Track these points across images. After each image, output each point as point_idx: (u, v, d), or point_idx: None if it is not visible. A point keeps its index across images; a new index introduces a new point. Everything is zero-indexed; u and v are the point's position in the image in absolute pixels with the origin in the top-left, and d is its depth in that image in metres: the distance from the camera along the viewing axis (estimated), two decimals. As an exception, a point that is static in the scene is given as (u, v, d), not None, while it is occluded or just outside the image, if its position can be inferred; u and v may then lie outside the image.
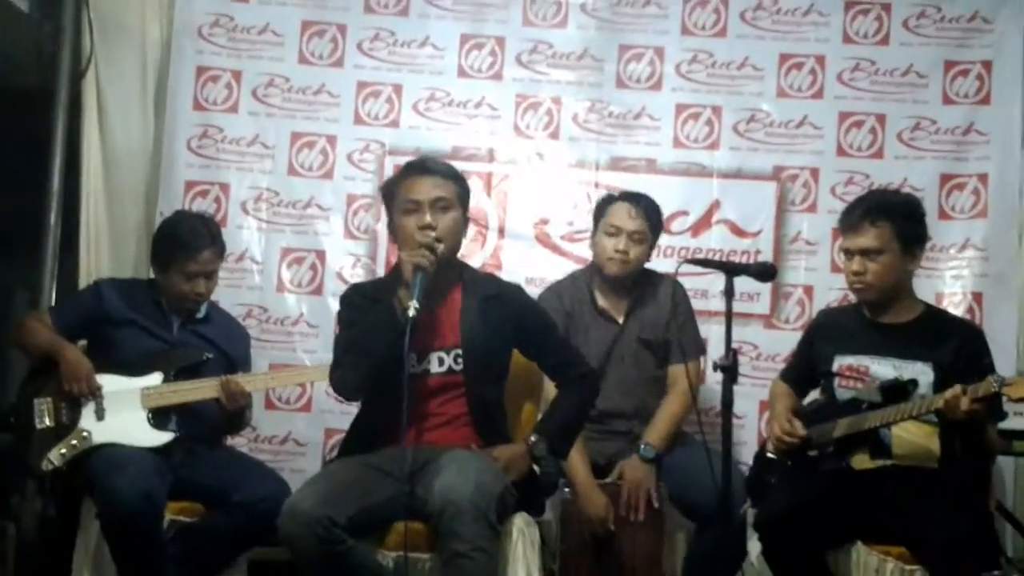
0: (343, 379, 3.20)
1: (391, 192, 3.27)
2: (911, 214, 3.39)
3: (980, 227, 4.48)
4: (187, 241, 3.72)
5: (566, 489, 3.83)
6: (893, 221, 3.33)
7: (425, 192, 3.19)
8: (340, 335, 3.30)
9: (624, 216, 3.91)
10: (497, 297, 3.30)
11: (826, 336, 3.53)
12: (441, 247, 3.13)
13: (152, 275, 3.90)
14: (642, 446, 3.82)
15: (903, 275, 3.36)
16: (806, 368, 3.60)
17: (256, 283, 4.55)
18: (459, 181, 3.29)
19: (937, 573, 2.99)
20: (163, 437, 3.56)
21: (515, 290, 3.43)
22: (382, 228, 4.47)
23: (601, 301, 4.02)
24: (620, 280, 3.97)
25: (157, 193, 4.53)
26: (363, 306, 3.23)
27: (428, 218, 3.16)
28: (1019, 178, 4.46)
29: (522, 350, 3.36)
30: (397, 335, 2.96)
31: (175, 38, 4.59)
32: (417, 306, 2.98)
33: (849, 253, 3.40)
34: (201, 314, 3.82)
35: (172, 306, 3.78)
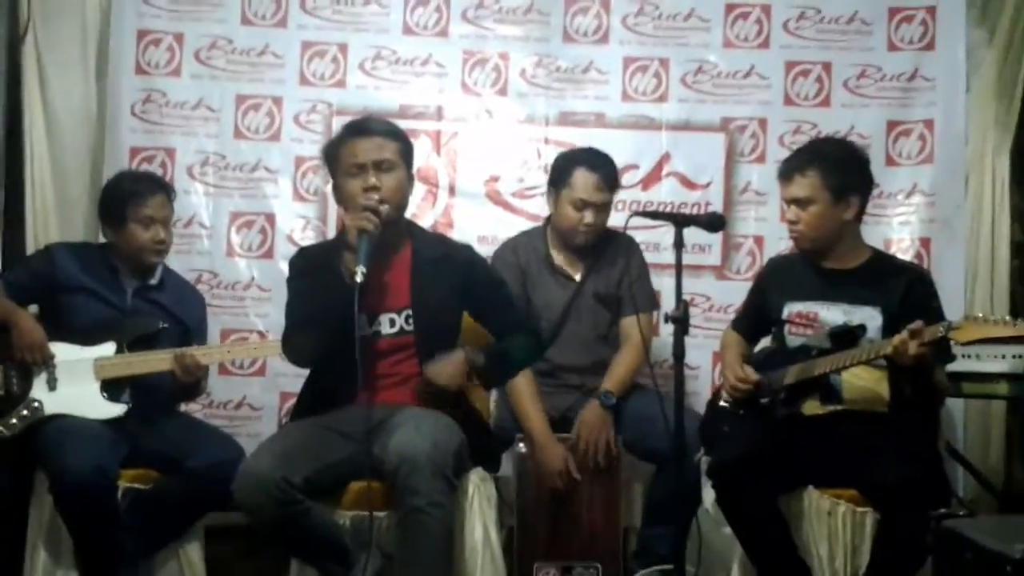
0: (295, 347, 3.19)
1: (333, 155, 3.24)
2: (841, 162, 3.39)
3: (927, 173, 4.51)
4: (136, 189, 3.71)
5: (521, 444, 3.85)
6: (821, 170, 3.35)
7: (367, 154, 3.16)
8: (290, 302, 3.27)
9: (591, 189, 3.89)
10: (446, 257, 3.29)
11: (775, 284, 3.55)
12: (386, 208, 3.10)
13: (103, 239, 3.86)
14: (602, 394, 3.84)
15: (837, 223, 3.36)
16: (757, 316, 3.62)
17: (205, 248, 4.51)
18: (402, 139, 3.26)
19: (888, 514, 3.03)
20: (116, 409, 3.53)
21: (464, 250, 3.42)
22: (332, 189, 4.45)
23: (557, 259, 4.02)
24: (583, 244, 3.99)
25: (103, 160, 4.46)
26: (311, 272, 3.21)
27: (372, 180, 3.14)
28: (964, 123, 4.49)
29: (469, 310, 3.35)
30: (346, 301, 2.94)
31: (115, 1, 4.50)
32: (364, 271, 2.96)
33: (786, 202, 3.43)
34: (155, 280, 3.78)
35: (130, 269, 3.72)
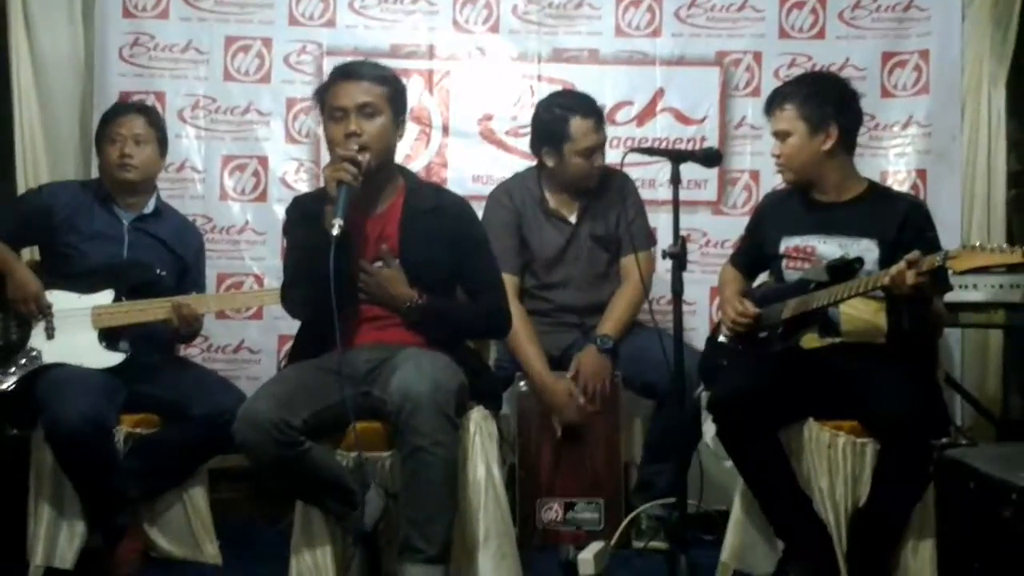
0: (293, 302, 3.19)
1: (321, 98, 3.20)
2: (815, 93, 3.39)
3: (923, 104, 4.50)
4: (113, 111, 3.81)
5: (522, 383, 3.86)
6: (795, 103, 3.37)
7: (350, 98, 3.11)
8: (285, 255, 3.26)
9: (592, 137, 3.88)
10: (438, 209, 3.24)
11: (772, 219, 3.55)
12: (366, 157, 3.04)
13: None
14: (599, 338, 3.85)
15: (816, 155, 3.36)
16: (754, 252, 3.62)
17: (199, 192, 4.49)
18: (389, 83, 3.19)
19: (888, 444, 3.04)
20: (114, 358, 3.53)
21: (458, 203, 3.35)
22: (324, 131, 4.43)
23: (552, 202, 4.01)
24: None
25: (92, 105, 4.42)
26: (301, 222, 3.18)
27: (352, 126, 3.08)
28: (960, 53, 4.46)
29: (451, 264, 3.25)
30: (327, 253, 2.90)
31: (99, -58, 4.44)
32: (341, 224, 2.91)
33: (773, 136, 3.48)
34: (149, 209, 3.77)
35: (120, 198, 3.72)
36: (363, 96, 3.12)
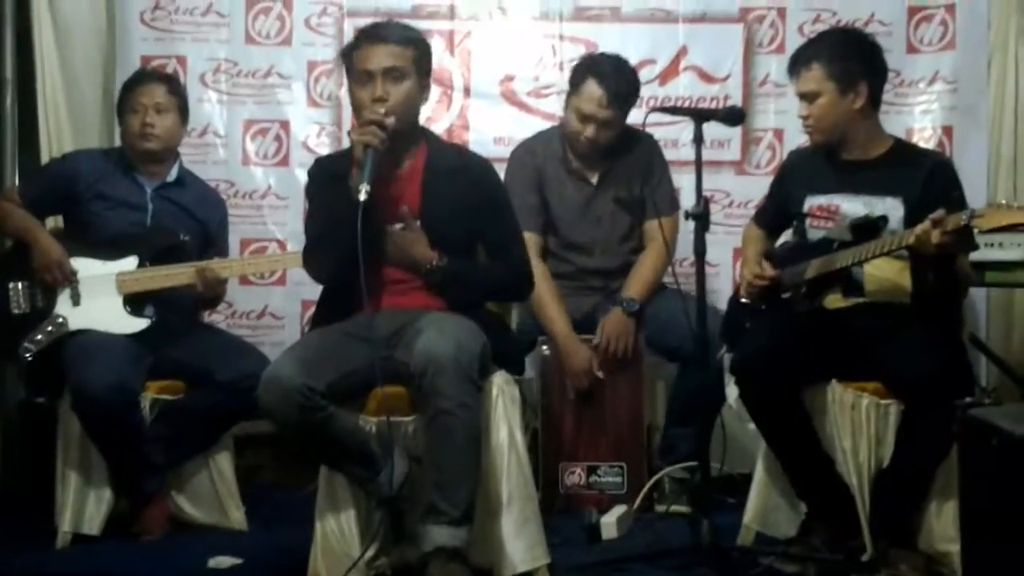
0: (316, 266, 3.18)
1: (347, 59, 3.17)
2: (843, 51, 3.33)
3: (949, 59, 4.44)
4: (134, 79, 3.81)
5: (544, 347, 3.86)
6: (822, 62, 3.30)
7: (377, 61, 3.08)
8: (308, 217, 3.25)
9: (594, 105, 3.84)
10: (460, 169, 3.22)
11: (796, 177, 3.51)
12: (392, 121, 3.02)
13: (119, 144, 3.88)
14: (624, 300, 3.84)
15: (847, 114, 3.31)
16: (778, 210, 3.59)
17: (221, 157, 4.49)
18: (417, 46, 3.17)
19: (912, 405, 3.02)
20: (139, 324, 3.56)
21: (480, 163, 3.33)
22: (345, 94, 4.38)
23: (575, 162, 3.99)
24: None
25: (114, 70, 4.41)
26: (324, 184, 3.17)
27: (379, 90, 3.06)
28: (987, 7, 4.40)
29: (473, 225, 3.23)
30: (355, 218, 2.88)
31: (119, -92, 4.41)
32: (368, 189, 2.90)
33: (798, 98, 3.39)
34: (172, 177, 3.78)
35: (143, 166, 3.73)
36: (390, 59, 3.09)
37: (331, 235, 3.04)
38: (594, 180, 3.99)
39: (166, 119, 3.72)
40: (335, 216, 3.02)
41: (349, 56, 3.16)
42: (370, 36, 3.15)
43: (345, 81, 3.29)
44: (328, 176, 3.17)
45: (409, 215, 3.13)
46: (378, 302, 3.08)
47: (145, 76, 3.88)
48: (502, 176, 3.56)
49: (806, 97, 3.34)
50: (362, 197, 2.89)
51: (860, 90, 3.30)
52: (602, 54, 4.06)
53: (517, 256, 3.29)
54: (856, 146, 3.36)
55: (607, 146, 3.92)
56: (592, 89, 3.83)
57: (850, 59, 3.31)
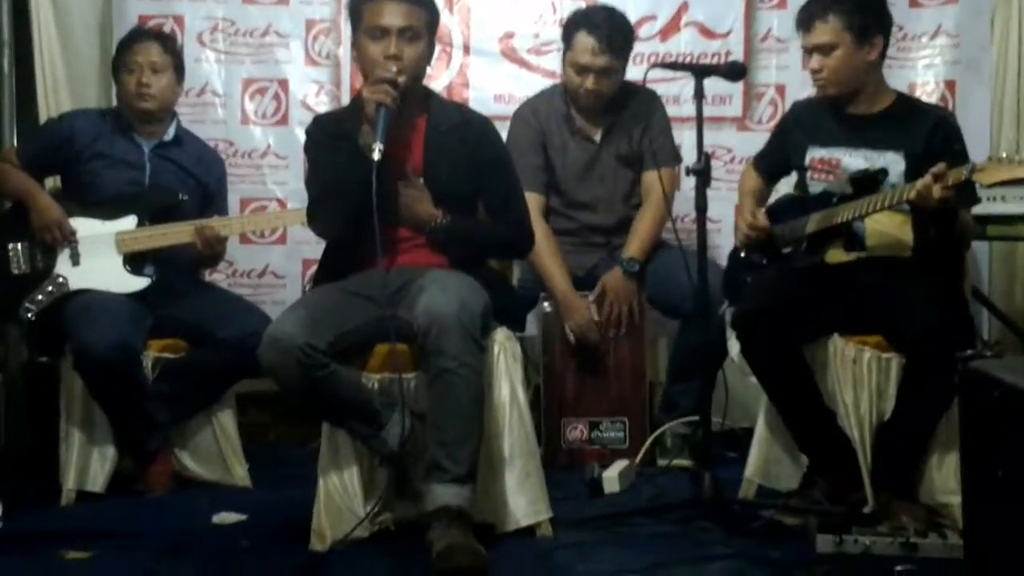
0: (323, 222, 3.16)
1: (357, 12, 3.13)
2: (860, 4, 3.30)
3: (951, 13, 4.41)
4: (128, 38, 3.78)
5: (546, 304, 3.87)
6: (841, 14, 3.26)
7: (394, 18, 3.05)
8: (310, 174, 3.23)
9: (588, 55, 3.82)
10: (462, 126, 3.21)
11: (799, 128, 3.48)
12: (404, 80, 3.00)
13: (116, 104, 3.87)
14: (625, 260, 3.84)
15: (862, 66, 3.29)
16: (778, 157, 3.57)
17: (220, 117, 4.46)
18: (430, 7, 3.14)
19: (913, 358, 3.02)
20: (139, 283, 3.56)
21: (480, 121, 3.31)
22: (344, 53, 4.38)
23: (578, 120, 3.98)
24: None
25: (111, 30, 4.37)
26: (326, 143, 3.15)
27: (393, 48, 3.04)
28: (990, -41, 4.37)
29: (476, 182, 3.22)
30: (365, 173, 2.87)
31: None
32: (382, 147, 2.89)
33: (807, 51, 3.35)
34: (169, 136, 3.77)
35: (137, 125, 3.72)
36: (407, 19, 3.07)
37: (338, 192, 3.03)
38: (597, 137, 3.98)
39: (162, 78, 3.70)
40: (341, 174, 3.01)
41: (359, 8, 3.12)
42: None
43: (345, 39, 3.26)
44: (330, 134, 3.15)
45: (413, 173, 3.13)
46: (386, 260, 3.08)
47: (140, 35, 3.85)
48: (502, 132, 3.54)
49: (821, 49, 3.29)
50: (376, 156, 2.88)
51: (875, 42, 3.29)
52: (591, 5, 4.05)
53: (517, 213, 3.28)
54: (861, 100, 3.34)
55: (611, 96, 3.91)
56: (584, 39, 3.82)
57: (866, 11, 3.29)
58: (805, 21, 3.32)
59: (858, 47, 3.26)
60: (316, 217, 3.17)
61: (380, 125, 2.93)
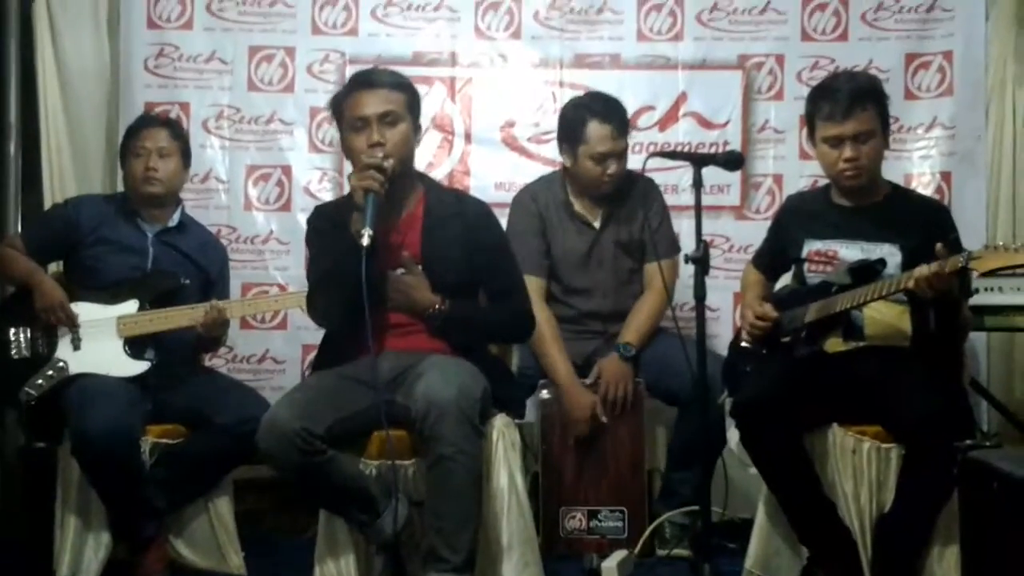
0: (321, 311, 3.19)
1: (339, 110, 3.20)
2: (884, 94, 3.38)
3: (947, 105, 4.47)
4: (137, 124, 3.82)
5: (545, 391, 3.86)
6: (874, 103, 3.30)
7: (371, 107, 3.11)
8: (310, 263, 3.26)
9: (608, 142, 3.86)
10: (459, 214, 3.25)
11: (795, 221, 3.52)
12: (391, 164, 3.05)
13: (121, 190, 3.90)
14: (621, 345, 3.84)
15: (883, 156, 3.36)
16: (777, 253, 3.59)
17: (223, 202, 4.51)
18: (407, 90, 3.21)
19: (913, 448, 3.01)
20: (139, 366, 3.55)
21: (477, 206, 3.36)
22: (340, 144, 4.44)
23: (577, 206, 4.01)
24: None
25: (117, 116, 4.45)
26: (326, 231, 3.18)
27: (375, 135, 3.09)
28: (984, 53, 4.43)
29: (475, 268, 3.24)
30: (359, 261, 2.90)
31: (124, -45, 4.47)
32: (371, 233, 2.92)
33: (838, 141, 3.28)
34: (174, 222, 3.79)
35: (142, 211, 3.75)
36: (384, 105, 3.13)
37: (334, 280, 3.05)
38: (596, 224, 4.00)
39: (169, 163, 3.74)
40: (338, 262, 3.03)
41: (339, 105, 3.18)
42: (362, 83, 3.18)
43: (341, 131, 3.30)
44: (328, 223, 3.18)
45: (411, 260, 3.15)
46: (380, 346, 3.09)
47: (148, 121, 3.90)
48: (502, 220, 3.57)
49: (859, 138, 3.27)
50: (365, 241, 2.91)
51: (888, 134, 3.36)
52: (582, 96, 4.08)
53: (517, 298, 3.30)
54: (860, 192, 3.37)
55: (619, 183, 3.94)
56: (599, 129, 3.86)
57: (887, 103, 3.35)
58: (844, 110, 3.26)
59: (885, 137, 3.33)
60: (314, 306, 3.19)
61: (368, 211, 2.96)
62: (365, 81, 3.18)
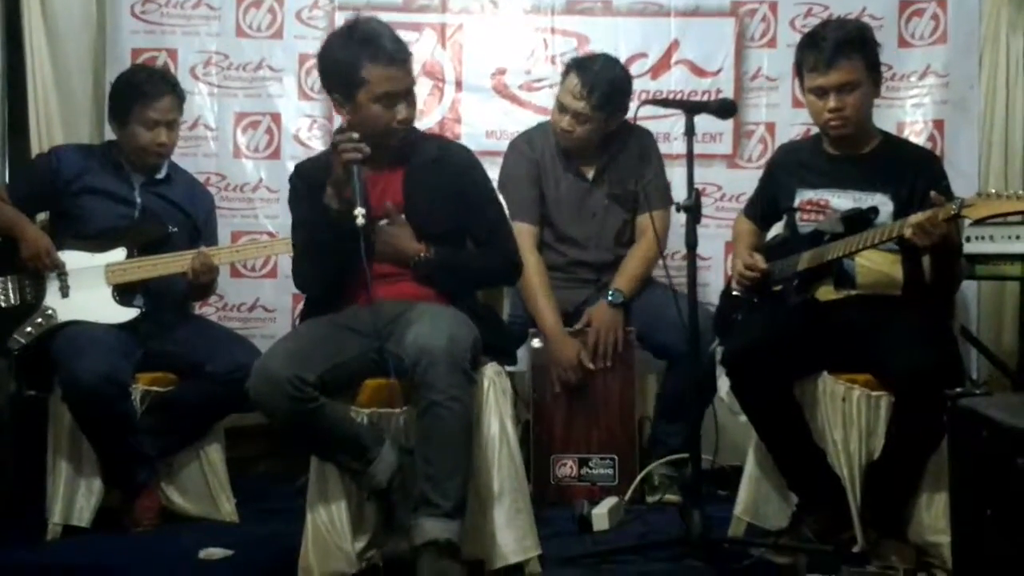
0: (306, 278, 3.20)
1: (353, 77, 3.06)
2: (874, 42, 3.33)
3: (940, 53, 4.44)
4: (146, 89, 3.69)
5: (535, 339, 3.86)
6: (863, 52, 3.27)
7: (401, 83, 3.08)
8: (293, 228, 3.23)
9: (569, 97, 3.85)
10: (441, 159, 3.23)
11: (787, 171, 3.50)
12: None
13: (108, 138, 3.86)
14: (610, 292, 3.84)
15: (871, 105, 3.33)
16: (768, 203, 3.59)
17: (212, 150, 4.48)
18: (410, 58, 3.18)
19: (902, 397, 3.02)
20: (128, 313, 3.55)
21: (461, 152, 3.35)
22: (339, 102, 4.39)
23: (572, 156, 3.98)
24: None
25: (104, 64, 4.41)
26: (309, 196, 3.13)
27: (404, 112, 3.09)
28: (978, 1, 4.40)
29: (459, 214, 3.22)
30: (347, 236, 2.92)
31: (109, -98, 4.39)
32: (364, 211, 2.91)
33: (822, 91, 3.26)
34: (162, 174, 3.77)
35: (133, 165, 3.72)
36: (409, 79, 3.13)
37: (324, 251, 3.06)
38: (590, 175, 3.99)
39: (174, 132, 3.73)
40: (319, 235, 3.04)
41: (355, 71, 3.06)
42: (388, 57, 3.06)
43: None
44: (309, 186, 3.15)
45: (394, 209, 3.14)
46: (369, 298, 3.07)
47: (155, 86, 3.71)
48: (494, 168, 3.55)
49: (843, 88, 3.24)
50: (360, 222, 2.90)
51: (879, 82, 3.33)
52: (596, 53, 4.05)
53: (503, 242, 3.30)
54: (852, 141, 3.35)
55: (584, 143, 3.92)
56: (572, 79, 3.85)
57: (876, 51, 3.32)
58: (827, 60, 3.24)
59: (873, 86, 3.30)
60: (299, 273, 3.20)
61: (356, 188, 2.94)
62: (391, 56, 3.06)
